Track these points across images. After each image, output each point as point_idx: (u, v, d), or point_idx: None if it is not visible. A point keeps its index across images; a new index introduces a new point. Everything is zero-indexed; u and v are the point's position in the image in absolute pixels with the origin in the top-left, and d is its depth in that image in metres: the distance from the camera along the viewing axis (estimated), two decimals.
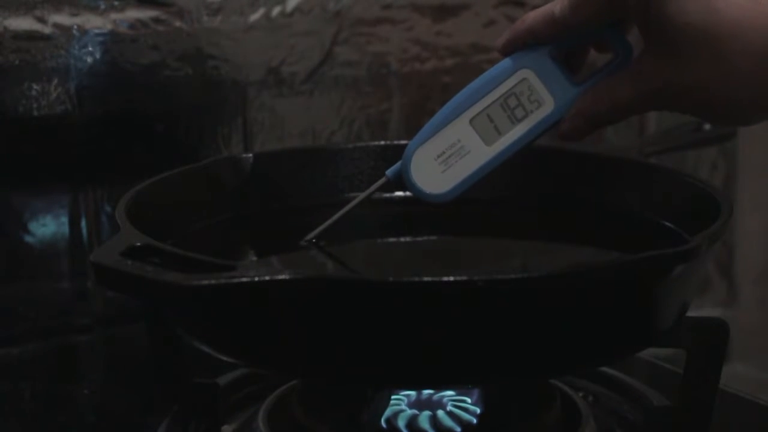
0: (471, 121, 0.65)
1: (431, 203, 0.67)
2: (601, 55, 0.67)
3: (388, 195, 0.74)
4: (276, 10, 0.90)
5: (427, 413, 0.66)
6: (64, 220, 0.84)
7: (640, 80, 0.61)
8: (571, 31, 0.63)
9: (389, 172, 0.67)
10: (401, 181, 0.67)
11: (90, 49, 0.83)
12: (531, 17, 0.64)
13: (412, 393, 0.67)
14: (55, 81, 0.82)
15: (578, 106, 0.63)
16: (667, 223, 0.69)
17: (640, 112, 0.64)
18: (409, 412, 0.66)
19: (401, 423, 0.65)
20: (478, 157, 0.66)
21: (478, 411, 0.66)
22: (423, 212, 0.74)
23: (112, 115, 0.85)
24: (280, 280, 0.52)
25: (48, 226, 0.84)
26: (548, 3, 0.63)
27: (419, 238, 0.75)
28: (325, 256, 0.69)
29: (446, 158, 0.66)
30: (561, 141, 0.65)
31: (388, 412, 0.66)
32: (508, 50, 0.65)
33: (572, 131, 0.64)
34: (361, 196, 0.69)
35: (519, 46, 0.65)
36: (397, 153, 0.76)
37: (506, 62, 0.65)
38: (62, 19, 0.82)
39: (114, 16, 0.84)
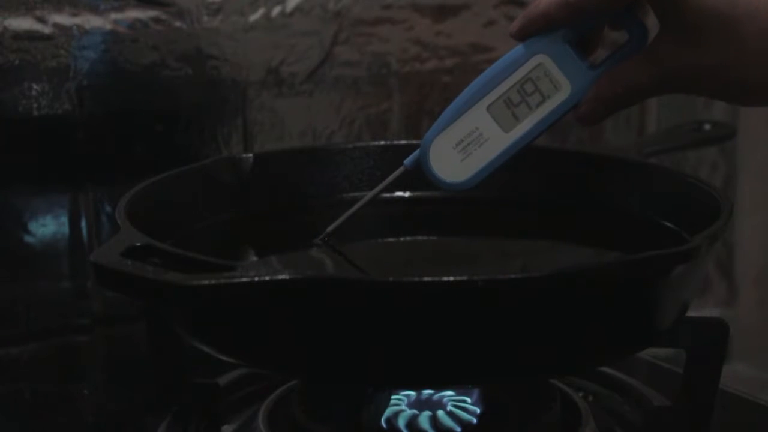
0: (488, 108, 0.65)
1: (450, 191, 0.66)
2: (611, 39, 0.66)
3: (388, 195, 0.74)
4: (276, 10, 0.90)
5: (427, 413, 0.66)
6: (64, 220, 0.84)
7: (657, 63, 0.61)
8: (587, 14, 0.62)
9: (407, 161, 0.67)
10: (419, 170, 0.66)
11: (90, 49, 0.83)
12: (545, 2, 0.63)
13: (412, 393, 0.67)
14: (55, 81, 0.82)
15: (595, 90, 0.63)
16: (667, 223, 0.69)
17: (657, 95, 0.64)
18: (409, 412, 0.66)
19: (401, 423, 0.65)
20: (496, 144, 0.65)
21: (478, 411, 0.66)
22: (423, 212, 0.74)
23: (112, 115, 0.85)
24: (280, 280, 0.52)
25: (48, 226, 0.84)
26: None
27: (419, 238, 0.75)
28: (325, 256, 0.69)
29: (465, 146, 0.66)
30: (578, 124, 0.65)
31: (388, 412, 0.66)
32: (522, 35, 0.64)
33: (589, 115, 0.64)
34: (379, 186, 0.68)
35: (533, 31, 0.64)
36: (397, 153, 0.76)
37: (521, 48, 0.65)
38: (62, 19, 0.82)
39: (114, 16, 0.84)
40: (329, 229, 0.68)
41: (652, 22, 0.63)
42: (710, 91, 0.62)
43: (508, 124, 0.65)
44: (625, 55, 0.63)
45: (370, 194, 0.69)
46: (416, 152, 0.66)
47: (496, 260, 0.72)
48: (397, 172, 0.68)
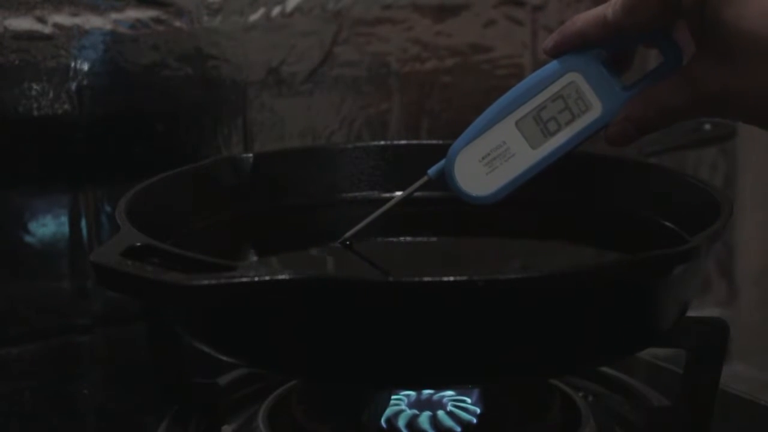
0: (517, 123, 0.65)
1: (473, 205, 0.66)
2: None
3: (388, 195, 0.74)
4: (276, 10, 0.90)
5: (427, 413, 0.66)
6: (64, 220, 0.84)
7: (693, 85, 0.60)
8: (623, 34, 0.62)
9: (431, 171, 0.67)
10: (443, 181, 0.66)
11: (90, 49, 0.83)
12: (581, 20, 0.63)
13: (412, 393, 0.67)
14: (55, 81, 0.82)
15: (627, 111, 0.62)
16: (667, 223, 0.69)
17: (690, 118, 0.63)
18: (409, 412, 0.66)
19: (401, 423, 0.65)
20: (523, 160, 0.65)
21: (478, 411, 0.66)
22: (423, 212, 0.74)
23: (112, 115, 0.85)
24: (280, 280, 0.52)
25: (48, 226, 0.84)
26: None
27: (419, 238, 0.75)
28: (325, 256, 0.69)
29: (491, 160, 0.65)
30: (607, 145, 0.64)
31: (388, 412, 0.66)
32: (556, 53, 0.64)
33: (619, 136, 0.63)
34: (402, 195, 0.68)
35: (568, 48, 0.64)
36: (397, 153, 0.77)
37: (554, 65, 0.64)
38: (62, 19, 0.82)
39: (114, 16, 0.84)
40: (348, 234, 0.68)
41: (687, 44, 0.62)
42: (746, 115, 0.61)
43: (536, 140, 0.65)
44: (658, 77, 0.62)
45: (390, 202, 0.68)
46: (441, 163, 0.66)
47: (496, 260, 0.72)
48: (420, 182, 0.67)
